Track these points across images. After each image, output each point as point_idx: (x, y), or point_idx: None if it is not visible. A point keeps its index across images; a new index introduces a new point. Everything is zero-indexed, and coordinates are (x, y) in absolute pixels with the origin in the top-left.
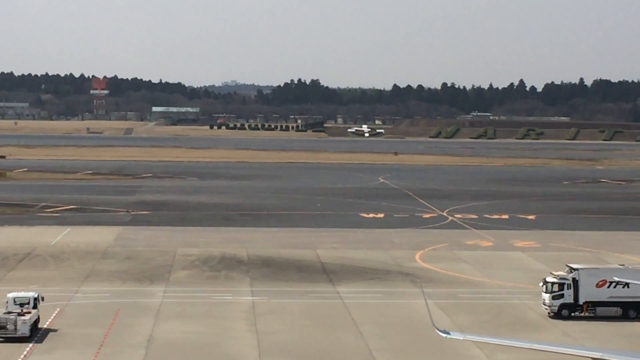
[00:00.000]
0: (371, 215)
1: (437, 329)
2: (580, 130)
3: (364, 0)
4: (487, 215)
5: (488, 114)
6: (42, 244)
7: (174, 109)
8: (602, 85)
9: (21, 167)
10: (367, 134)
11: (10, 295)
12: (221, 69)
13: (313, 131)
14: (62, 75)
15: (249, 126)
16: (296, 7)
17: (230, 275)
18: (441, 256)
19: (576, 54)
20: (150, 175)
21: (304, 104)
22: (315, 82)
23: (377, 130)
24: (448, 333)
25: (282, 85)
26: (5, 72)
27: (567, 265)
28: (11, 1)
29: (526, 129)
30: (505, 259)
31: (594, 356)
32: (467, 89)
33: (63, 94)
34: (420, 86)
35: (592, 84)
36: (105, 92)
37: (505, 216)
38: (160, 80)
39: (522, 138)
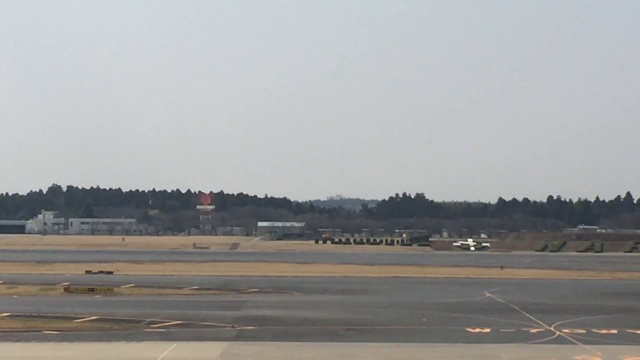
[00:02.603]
0: (477, 329)
1: None
2: None
3: (466, 115)
4: (595, 330)
5: (595, 226)
6: None
7: (280, 224)
8: None
9: (128, 283)
10: (472, 248)
11: None
12: (326, 183)
13: (418, 245)
14: (169, 191)
15: (354, 240)
16: (399, 124)
17: None
18: None
19: None
20: (256, 290)
21: (409, 217)
22: (420, 196)
23: (483, 244)
24: None
25: (387, 199)
26: (114, 188)
27: None
28: (119, 121)
29: (634, 241)
30: None
31: None
32: (574, 201)
33: (170, 210)
34: (526, 199)
35: None
36: (212, 207)
37: (614, 331)
38: (266, 195)
39: (630, 251)
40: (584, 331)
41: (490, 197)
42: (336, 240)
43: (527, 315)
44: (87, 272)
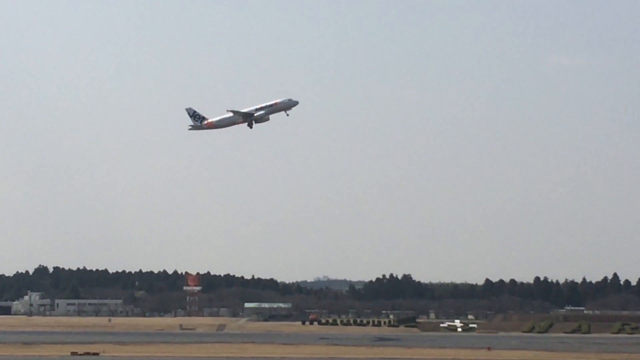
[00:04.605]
0: None
1: None
2: None
3: (453, 198)
4: None
5: (582, 308)
6: None
7: (266, 305)
8: None
9: None
10: (459, 329)
11: None
12: (313, 264)
13: (405, 326)
14: (156, 272)
15: (341, 321)
16: (386, 205)
17: None
18: None
19: None
20: None
21: (396, 299)
22: (407, 277)
23: (470, 325)
24: None
25: (373, 280)
26: (100, 269)
27: None
28: (106, 203)
29: (621, 323)
30: None
31: None
32: (560, 283)
33: (156, 291)
34: (512, 280)
35: None
36: (198, 288)
37: None
38: (253, 276)
39: (618, 332)
40: None
41: (477, 278)
42: (323, 321)
43: None
44: (73, 353)
